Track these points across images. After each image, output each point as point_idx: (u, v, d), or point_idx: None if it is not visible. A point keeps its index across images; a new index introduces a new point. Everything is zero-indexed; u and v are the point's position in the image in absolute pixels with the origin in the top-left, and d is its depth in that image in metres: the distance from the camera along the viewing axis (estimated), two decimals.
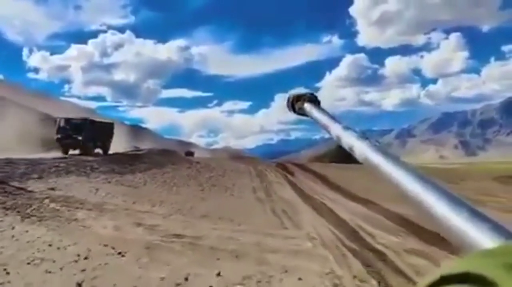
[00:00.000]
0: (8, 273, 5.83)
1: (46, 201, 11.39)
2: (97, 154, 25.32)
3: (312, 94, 1.11)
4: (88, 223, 9.41)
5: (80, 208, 10.95)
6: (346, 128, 0.85)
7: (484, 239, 0.44)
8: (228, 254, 7.17)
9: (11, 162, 15.17)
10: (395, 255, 7.50)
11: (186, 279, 5.78)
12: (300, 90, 1.12)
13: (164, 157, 28.76)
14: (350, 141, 0.79)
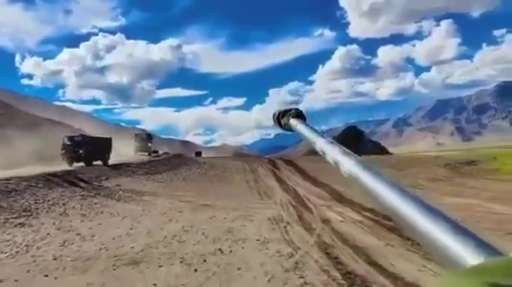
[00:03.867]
0: (137, 220, 13.40)
1: (120, 192, 18.96)
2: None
3: (297, 109, 1.14)
4: (154, 201, 17.00)
5: (143, 195, 18.54)
6: (331, 142, 0.88)
7: (467, 255, 0.45)
8: (231, 209, 14.77)
9: (87, 169, 22.73)
10: (314, 207, 15.08)
11: (214, 216, 13.36)
12: (286, 107, 1.16)
13: (178, 160, 36.30)
14: (335, 156, 0.81)
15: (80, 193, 17.72)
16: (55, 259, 8.17)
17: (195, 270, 7.04)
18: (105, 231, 11.34)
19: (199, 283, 6.33)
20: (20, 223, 12.01)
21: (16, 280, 6.71)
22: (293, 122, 1.10)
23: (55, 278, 6.88)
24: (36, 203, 14.84)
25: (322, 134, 0.95)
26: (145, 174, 25.78)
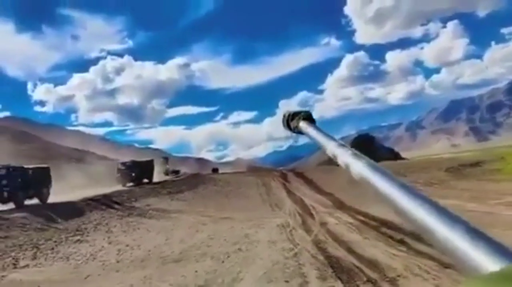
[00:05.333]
0: (170, 233, 16.24)
1: (151, 211, 21.91)
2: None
3: (307, 112, 1.12)
4: (180, 217, 19.88)
5: (170, 212, 21.44)
6: (342, 145, 0.87)
7: (486, 261, 0.44)
8: (246, 220, 17.53)
9: (118, 192, 25.87)
10: (316, 213, 17.74)
11: (232, 227, 16.14)
12: (296, 109, 1.15)
13: (196, 179, 39.34)
14: (346, 159, 0.80)
15: (117, 213, 20.72)
16: (118, 262, 11.07)
17: (222, 262, 9.82)
18: (147, 242, 14.23)
19: (226, 268, 9.11)
20: (77, 240, 15.00)
21: (98, 275, 9.60)
22: (303, 125, 1.08)
23: (124, 272, 9.75)
24: (83, 223, 17.86)
25: (332, 137, 0.95)
26: (168, 194, 28.77)
